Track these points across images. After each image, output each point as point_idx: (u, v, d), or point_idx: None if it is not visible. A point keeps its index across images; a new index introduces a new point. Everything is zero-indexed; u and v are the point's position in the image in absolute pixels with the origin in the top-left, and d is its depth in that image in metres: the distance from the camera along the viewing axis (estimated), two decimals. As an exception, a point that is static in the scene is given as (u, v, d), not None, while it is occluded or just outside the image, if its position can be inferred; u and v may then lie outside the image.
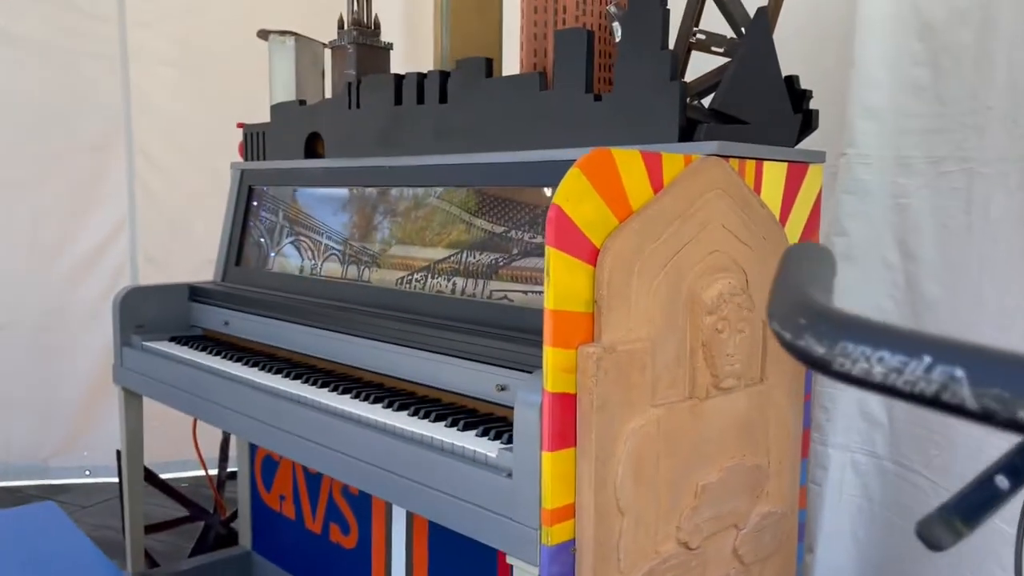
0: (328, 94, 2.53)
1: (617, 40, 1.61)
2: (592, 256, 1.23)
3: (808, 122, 1.60)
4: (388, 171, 2.03)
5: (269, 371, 1.95)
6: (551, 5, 1.74)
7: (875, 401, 2.03)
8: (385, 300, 1.95)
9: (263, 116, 2.72)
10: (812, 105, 1.65)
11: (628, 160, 1.28)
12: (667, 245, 1.30)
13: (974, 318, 1.79)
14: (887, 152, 2.00)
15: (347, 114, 2.16)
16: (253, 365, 2.01)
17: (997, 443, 1.83)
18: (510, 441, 1.37)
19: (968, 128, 1.81)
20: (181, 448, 2.91)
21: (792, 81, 1.58)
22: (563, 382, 1.20)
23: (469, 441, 1.41)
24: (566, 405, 1.21)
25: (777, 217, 1.52)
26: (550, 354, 1.19)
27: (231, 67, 3.57)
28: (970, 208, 1.79)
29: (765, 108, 1.53)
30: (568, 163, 1.61)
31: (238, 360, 2.07)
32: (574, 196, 1.21)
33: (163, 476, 2.81)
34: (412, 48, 3.07)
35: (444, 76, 1.91)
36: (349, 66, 2.29)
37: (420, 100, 1.96)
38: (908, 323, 1.96)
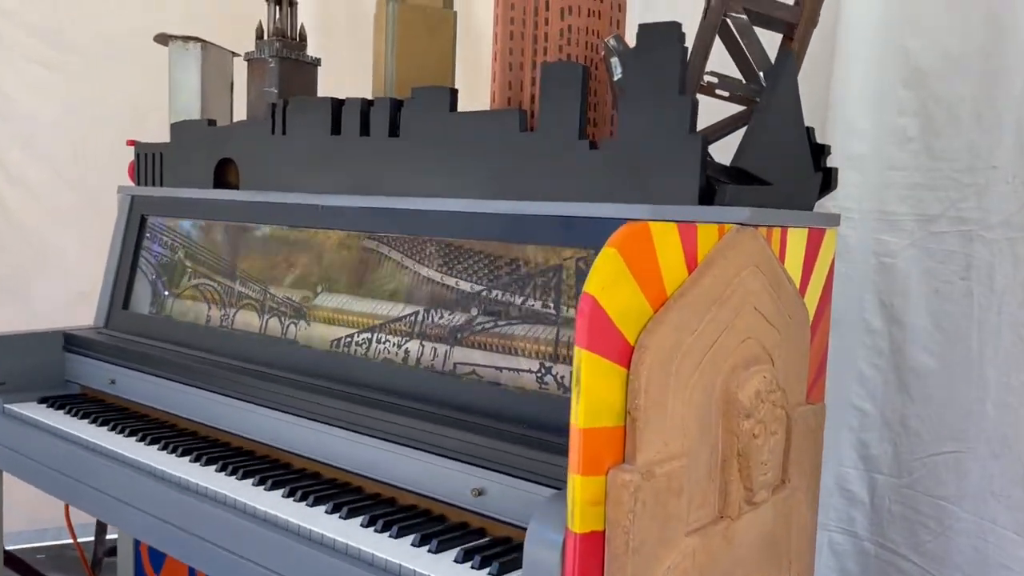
0: (238, 112, 2.20)
1: (615, 78, 1.38)
2: (625, 355, 0.99)
3: (828, 181, 1.42)
4: (323, 211, 1.72)
5: (170, 451, 1.61)
6: (530, 31, 1.50)
7: (855, 476, 1.88)
8: (318, 365, 1.64)
9: (154, 130, 2.34)
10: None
11: (664, 234, 1.05)
12: (704, 336, 1.07)
13: (971, 394, 1.66)
14: (869, 206, 1.85)
15: (270, 140, 1.84)
16: (148, 441, 1.66)
17: (1001, 531, 1.73)
18: (503, 571, 1.11)
19: (966, 187, 1.68)
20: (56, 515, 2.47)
21: (810, 134, 1.40)
22: (592, 518, 0.96)
23: (447, 570, 1.13)
24: (594, 546, 0.96)
25: (798, 289, 1.32)
26: (578, 485, 0.94)
27: (113, 68, 3.12)
28: (969, 274, 1.66)
29: (789, 166, 1.33)
30: (557, 219, 1.38)
31: (128, 433, 1.71)
32: (610, 283, 0.96)
33: (33, 545, 2.37)
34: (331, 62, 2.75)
35: (395, 105, 1.62)
36: (270, 83, 1.96)
37: (365, 131, 1.66)
38: (893, 394, 1.82)
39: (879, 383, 1.84)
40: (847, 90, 1.85)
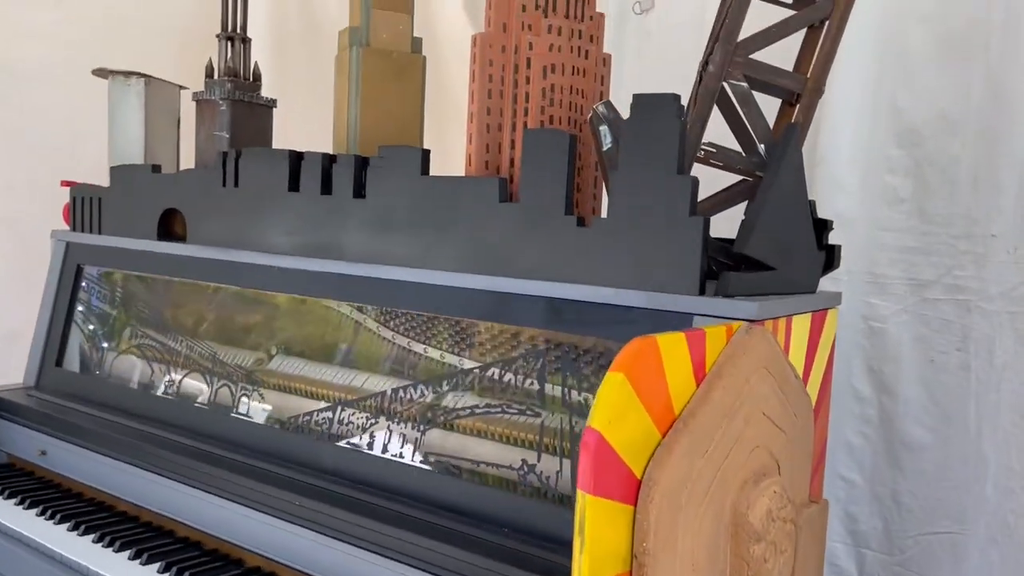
0: (186, 152, 2.04)
1: (604, 148, 1.27)
2: (632, 491, 0.87)
3: (830, 259, 1.33)
4: (280, 273, 1.58)
5: (113, 546, 1.45)
6: (509, 90, 1.38)
7: (843, 551, 1.79)
8: (276, 444, 1.50)
9: (87, 168, 2.17)
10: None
11: (672, 347, 0.93)
12: (714, 457, 0.96)
13: (969, 473, 1.58)
14: (858, 267, 1.77)
15: (220, 193, 1.69)
16: (84, 529, 1.50)
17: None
18: None
19: (962, 254, 1.60)
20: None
21: (812, 210, 1.30)
22: None
23: None
24: None
25: (801, 378, 1.22)
26: (582, 650, 0.82)
27: (37, 96, 2.87)
28: (966, 345, 1.58)
29: (793, 248, 1.23)
30: (542, 300, 1.26)
31: (61, 519, 1.55)
32: (617, 415, 0.84)
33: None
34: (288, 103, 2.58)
35: (360, 164, 1.49)
36: (220, 126, 1.81)
37: (326, 189, 1.53)
38: (883, 466, 1.74)
39: (868, 454, 1.75)
40: (836, 147, 1.77)
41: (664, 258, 1.15)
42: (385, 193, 1.44)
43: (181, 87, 2.08)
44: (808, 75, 1.23)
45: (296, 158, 1.58)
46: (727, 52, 1.21)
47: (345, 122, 1.68)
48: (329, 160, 1.53)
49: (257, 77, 1.88)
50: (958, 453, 1.60)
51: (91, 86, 2.06)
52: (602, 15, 1.45)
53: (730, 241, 1.21)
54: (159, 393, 1.75)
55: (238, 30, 1.86)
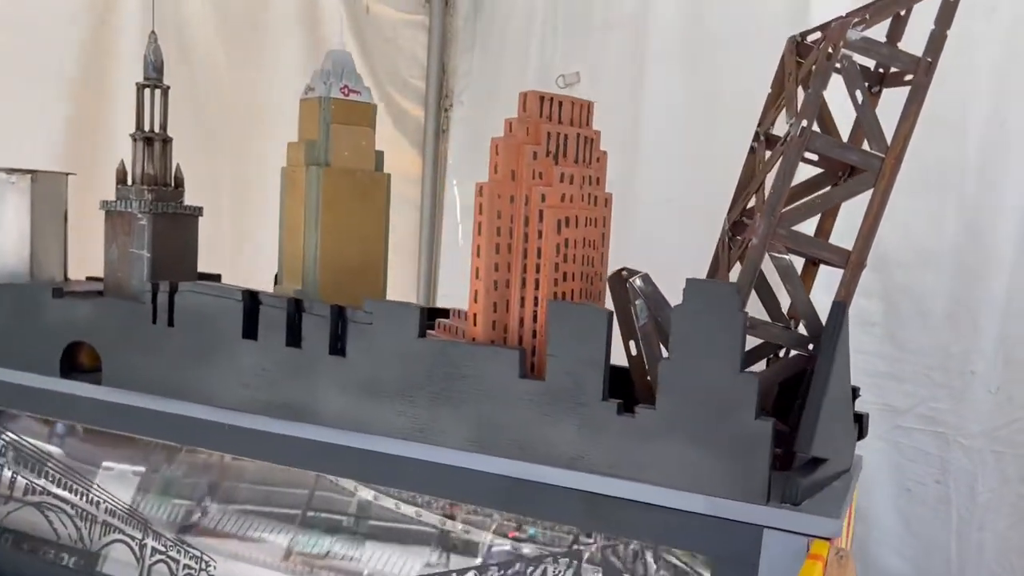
0: (74, 257, 1.74)
1: (639, 323, 1.15)
2: None
3: (862, 430, 1.28)
4: (239, 434, 1.36)
5: None
6: (519, 245, 1.23)
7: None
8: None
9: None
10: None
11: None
12: None
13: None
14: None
15: (150, 331, 1.44)
16: None
17: None
18: None
19: (938, 387, 1.61)
20: None
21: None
22: None
23: None
24: None
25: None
26: None
27: None
28: (946, 479, 1.59)
29: (840, 431, 1.17)
30: (575, 494, 1.12)
31: None
32: None
33: None
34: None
35: (338, 314, 1.30)
36: (139, 243, 1.55)
37: (294, 340, 1.32)
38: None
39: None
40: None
41: (726, 460, 1.05)
42: (372, 354, 1.26)
43: (68, 174, 1.78)
44: (852, 248, 1.17)
45: (251, 300, 1.36)
46: (771, 224, 1.13)
47: (300, 249, 1.47)
48: (296, 307, 1.33)
49: (180, 183, 1.63)
50: (939, 586, 1.60)
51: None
52: (605, 154, 1.34)
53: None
54: (67, 565, 1.47)
55: (157, 129, 1.60)
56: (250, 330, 1.36)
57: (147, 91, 1.60)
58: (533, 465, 1.15)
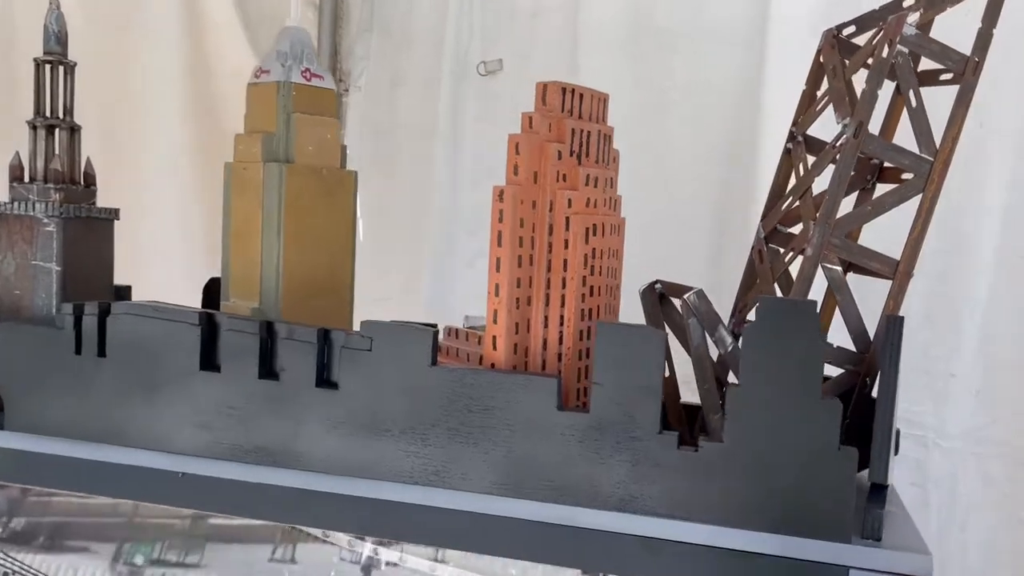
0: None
1: (693, 344, 1.04)
2: None
3: (897, 444, 1.22)
4: (199, 485, 1.13)
5: None
6: (542, 256, 1.08)
7: None
8: None
9: None
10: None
11: None
12: None
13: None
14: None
15: (72, 363, 1.18)
16: None
17: None
18: None
19: (919, 389, 1.60)
20: None
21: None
22: None
23: None
24: None
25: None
26: None
27: None
28: (925, 482, 1.58)
29: (888, 449, 1.10)
30: (631, 539, 0.99)
31: None
32: None
33: None
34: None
35: (324, 338, 1.10)
36: (46, 254, 1.28)
37: (268, 371, 1.11)
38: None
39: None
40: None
41: (805, 496, 0.95)
42: (373, 385, 1.07)
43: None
44: (899, 257, 1.10)
45: (210, 324, 1.14)
46: (825, 234, 1.04)
47: (256, 260, 1.25)
48: (267, 331, 1.12)
49: (91, 180, 1.36)
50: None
51: None
52: (618, 152, 1.21)
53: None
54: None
55: (62, 114, 1.33)
56: (209, 360, 1.13)
57: (48, 68, 1.32)
58: (577, 509, 1.01)
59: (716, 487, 0.98)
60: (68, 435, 1.18)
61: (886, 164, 1.14)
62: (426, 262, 2.46)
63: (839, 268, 1.07)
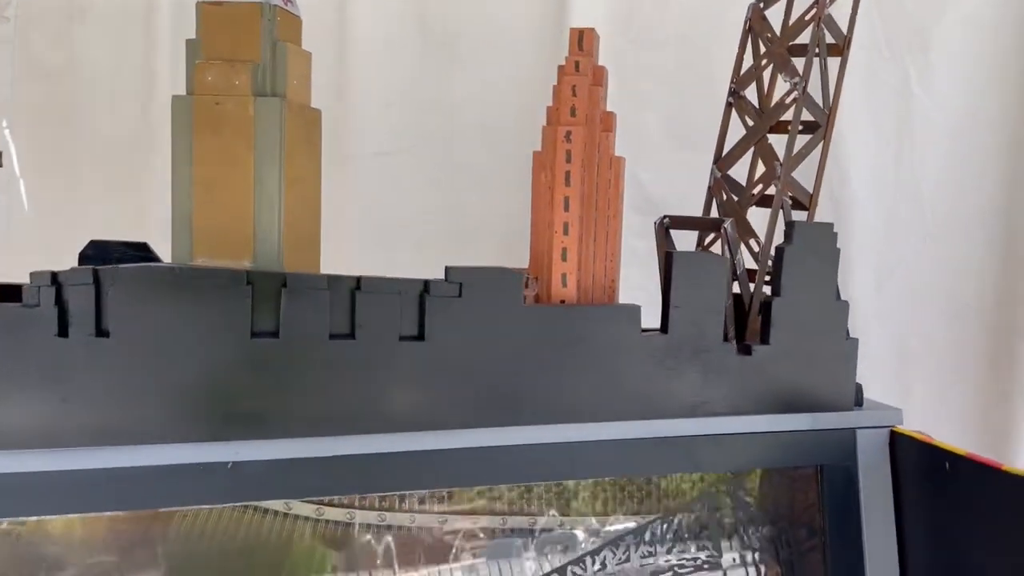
0: None
1: (740, 268, 1.21)
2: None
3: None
4: (235, 473, 0.97)
5: None
6: (592, 196, 1.15)
7: None
8: None
9: None
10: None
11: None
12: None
13: None
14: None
15: (52, 345, 0.90)
16: None
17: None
18: None
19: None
20: None
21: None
22: None
23: None
24: None
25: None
26: None
27: None
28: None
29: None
30: (701, 439, 1.12)
31: None
32: None
33: None
34: None
35: (425, 290, 1.02)
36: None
37: (349, 329, 0.99)
38: None
39: None
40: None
41: (825, 380, 1.20)
42: (463, 331, 1.04)
43: None
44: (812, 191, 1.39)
45: (273, 284, 0.97)
46: (790, 170, 1.30)
47: (244, 211, 1.08)
48: (353, 286, 1.00)
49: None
50: None
51: None
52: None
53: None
54: None
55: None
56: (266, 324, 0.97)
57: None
58: (656, 422, 1.13)
59: (764, 383, 1.17)
60: (49, 442, 0.91)
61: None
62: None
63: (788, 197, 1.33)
